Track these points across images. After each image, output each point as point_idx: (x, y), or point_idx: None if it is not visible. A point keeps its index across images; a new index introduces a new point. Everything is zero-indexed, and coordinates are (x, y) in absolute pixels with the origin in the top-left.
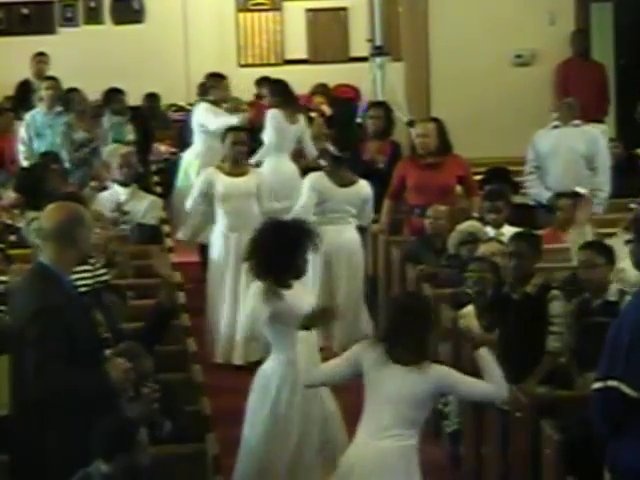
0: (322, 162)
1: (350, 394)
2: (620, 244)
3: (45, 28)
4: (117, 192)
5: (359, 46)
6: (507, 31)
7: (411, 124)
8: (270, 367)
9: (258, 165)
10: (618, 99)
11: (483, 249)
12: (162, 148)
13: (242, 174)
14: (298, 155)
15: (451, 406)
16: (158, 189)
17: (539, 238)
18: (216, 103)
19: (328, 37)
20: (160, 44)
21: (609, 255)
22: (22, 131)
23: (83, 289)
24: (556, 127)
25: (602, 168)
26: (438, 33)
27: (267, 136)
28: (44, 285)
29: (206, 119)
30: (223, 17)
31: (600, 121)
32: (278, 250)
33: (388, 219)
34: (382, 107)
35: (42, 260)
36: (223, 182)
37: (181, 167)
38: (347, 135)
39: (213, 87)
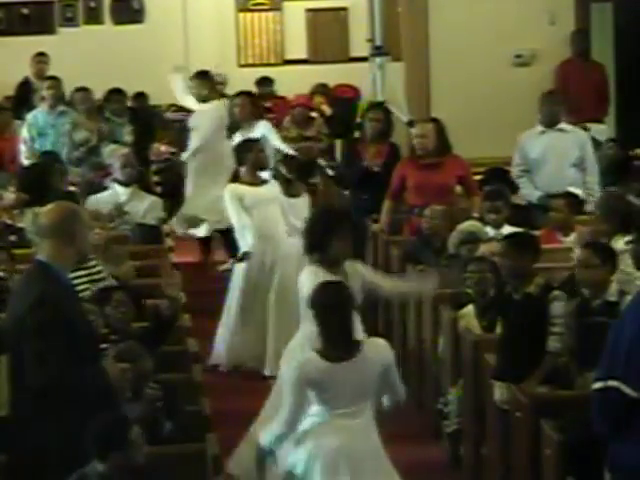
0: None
1: None
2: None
3: (45, 28)
4: (117, 192)
5: (359, 46)
6: (507, 31)
7: (411, 124)
8: None
9: None
10: (618, 99)
11: (483, 249)
12: (162, 148)
13: (263, 183)
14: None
15: (451, 406)
16: (158, 189)
17: (533, 238)
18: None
19: (328, 37)
20: (160, 44)
21: (608, 255)
22: (24, 131)
23: (80, 292)
24: (543, 132)
25: (591, 168)
26: (438, 33)
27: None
28: (43, 281)
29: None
30: (223, 17)
31: (600, 121)
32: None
33: (388, 219)
34: (381, 109)
35: (40, 257)
36: (249, 193)
37: None
38: (346, 136)
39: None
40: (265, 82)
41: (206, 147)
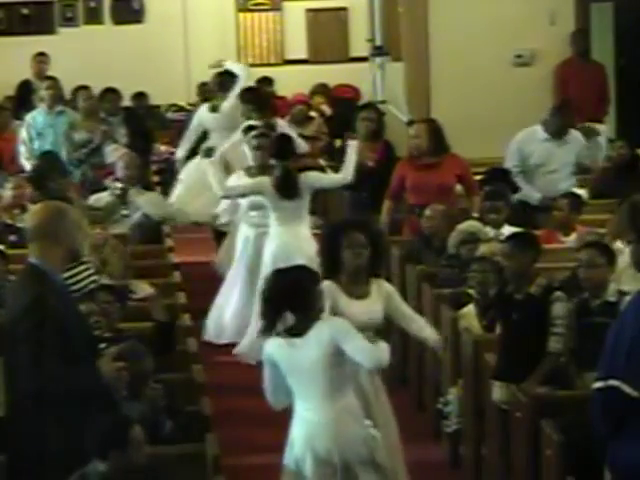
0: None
1: None
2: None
3: (45, 28)
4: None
5: (359, 46)
6: (507, 31)
7: (411, 124)
8: None
9: None
10: (618, 99)
11: (483, 249)
12: (162, 148)
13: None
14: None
15: (451, 406)
16: (158, 189)
17: (535, 238)
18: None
19: (328, 37)
20: (160, 44)
21: (610, 255)
22: (23, 132)
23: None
24: (547, 140)
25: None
26: (438, 33)
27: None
28: (35, 283)
29: None
30: (223, 17)
31: (599, 121)
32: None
33: (388, 219)
34: (373, 109)
35: (31, 260)
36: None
37: None
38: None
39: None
40: (265, 82)
41: None
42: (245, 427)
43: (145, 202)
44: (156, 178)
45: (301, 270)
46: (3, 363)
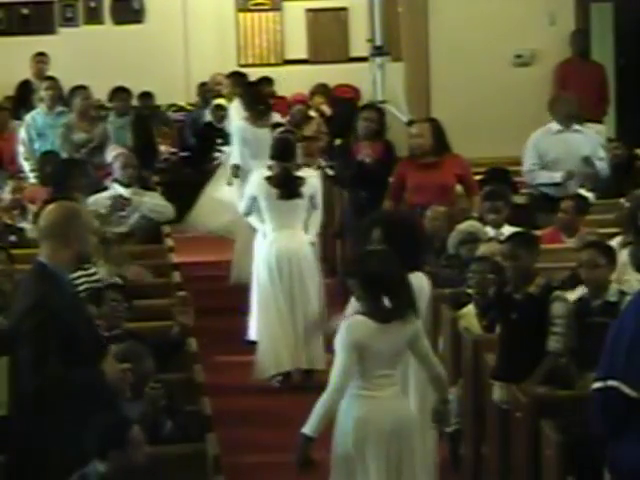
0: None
1: None
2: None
3: (45, 28)
4: (118, 192)
5: (359, 46)
6: (507, 31)
7: (411, 124)
8: None
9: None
10: (618, 99)
11: (483, 249)
12: (162, 148)
13: None
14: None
15: (451, 406)
16: (158, 189)
17: (535, 238)
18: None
19: (328, 37)
20: (160, 44)
21: (611, 255)
22: (22, 132)
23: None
24: (560, 132)
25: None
26: (438, 33)
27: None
28: (42, 283)
29: None
30: (223, 17)
31: (599, 121)
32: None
33: None
34: (374, 109)
35: (40, 259)
36: None
37: None
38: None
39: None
40: (265, 82)
41: None
42: (245, 427)
43: (152, 206)
44: (156, 178)
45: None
46: (9, 362)
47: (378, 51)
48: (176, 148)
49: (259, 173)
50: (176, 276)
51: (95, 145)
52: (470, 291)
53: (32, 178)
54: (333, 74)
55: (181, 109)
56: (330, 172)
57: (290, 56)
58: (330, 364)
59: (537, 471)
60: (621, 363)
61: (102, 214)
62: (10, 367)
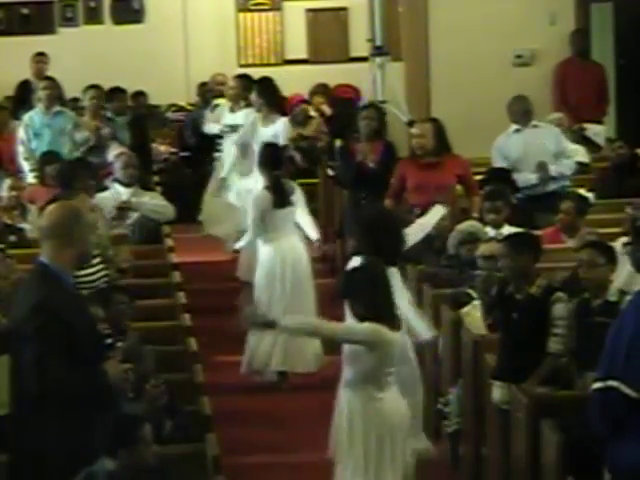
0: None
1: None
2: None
3: (45, 28)
4: (119, 192)
5: (359, 46)
6: (507, 31)
7: (411, 124)
8: None
9: None
10: (618, 99)
11: (483, 249)
12: (162, 148)
13: None
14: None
15: (451, 406)
16: (159, 189)
17: (532, 238)
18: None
19: (328, 37)
20: (160, 44)
21: (610, 255)
22: (21, 131)
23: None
24: (518, 131)
25: (565, 160)
26: (438, 33)
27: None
28: (43, 283)
29: None
30: (223, 17)
31: (598, 121)
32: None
33: None
34: (374, 109)
35: (42, 259)
36: None
37: None
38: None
39: None
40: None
41: None
42: (245, 427)
43: (152, 206)
44: (156, 178)
45: None
46: (9, 363)
47: (378, 51)
48: (176, 148)
49: (256, 189)
50: (176, 276)
51: (93, 145)
52: (470, 291)
53: (32, 178)
54: (333, 74)
55: (181, 109)
56: (330, 172)
57: (290, 56)
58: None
59: (537, 471)
60: (621, 363)
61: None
62: (11, 368)
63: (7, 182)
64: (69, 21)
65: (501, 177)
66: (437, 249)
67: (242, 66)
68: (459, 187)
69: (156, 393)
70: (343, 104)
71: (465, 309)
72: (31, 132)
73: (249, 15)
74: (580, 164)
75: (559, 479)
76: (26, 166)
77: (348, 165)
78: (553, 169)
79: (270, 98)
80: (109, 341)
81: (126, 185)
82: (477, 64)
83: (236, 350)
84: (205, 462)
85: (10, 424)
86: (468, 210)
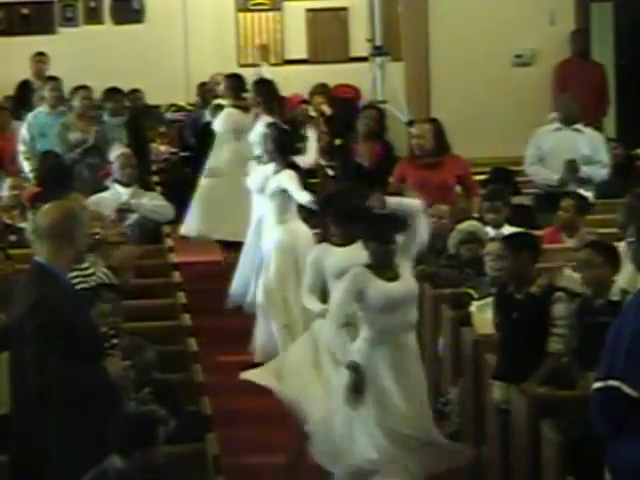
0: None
1: None
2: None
3: (45, 28)
4: (119, 192)
5: (359, 46)
6: (507, 31)
7: (411, 124)
8: None
9: None
10: (618, 99)
11: (489, 249)
12: (162, 148)
13: None
14: None
15: (451, 406)
16: (158, 189)
17: (531, 238)
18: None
19: (328, 37)
20: (160, 44)
21: (610, 255)
22: (23, 131)
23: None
24: (559, 129)
25: (598, 166)
26: (438, 33)
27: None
28: (41, 283)
29: None
30: (223, 17)
31: (597, 127)
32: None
33: None
34: (374, 109)
35: (38, 259)
36: None
37: None
38: (346, 136)
39: None
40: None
41: None
42: (245, 427)
43: (152, 207)
44: (156, 178)
45: None
46: (9, 362)
47: (378, 51)
48: (176, 148)
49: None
50: (176, 276)
51: (90, 145)
52: (470, 291)
53: (32, 178)
54: (333, 74)
55: (181, 109)
56: (330, 172)
57: (290, 56)
58: None
59: (537, 471)
60: (621, 363)
61: (103, 215)
62: (11, 367)
63: (7, 182)
64: (69, 21)
65: (504, 177)
66: (437, 249)
67: (242, 66)
68: (458, 187)
69: (145, 399)
70: (343, 104)
71: (479, 302)
72: (36, 132)
73: (249, 15)
74: None
75: (559, 479)
76: (27, 166)
77: (348, 165)
78: (583, 169)
79: (268, 98)
80: (115, 341)
81: (125, 185)
82: (477, 64)
83: (236, 350)
84: (205, 462)
85: (10, 423)
86: (468, 210)
